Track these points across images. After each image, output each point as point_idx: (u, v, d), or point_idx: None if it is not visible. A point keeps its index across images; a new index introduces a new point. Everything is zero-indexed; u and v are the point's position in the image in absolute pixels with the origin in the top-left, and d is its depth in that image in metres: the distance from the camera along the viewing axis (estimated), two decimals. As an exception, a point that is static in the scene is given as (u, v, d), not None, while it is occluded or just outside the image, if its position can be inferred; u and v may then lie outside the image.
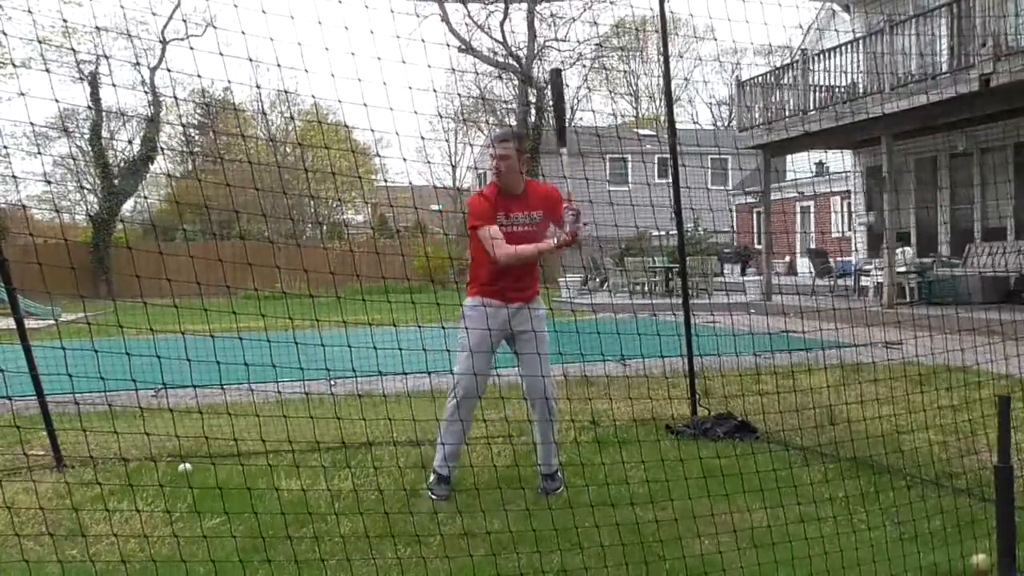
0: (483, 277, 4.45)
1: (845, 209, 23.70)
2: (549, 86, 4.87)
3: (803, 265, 25.11)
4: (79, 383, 3.61)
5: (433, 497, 4.39)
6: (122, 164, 30.72)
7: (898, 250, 15.00)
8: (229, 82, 3.47)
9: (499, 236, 4.30)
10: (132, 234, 29.75)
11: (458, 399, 4.40)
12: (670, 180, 6.45)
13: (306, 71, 3.38)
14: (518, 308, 4.43)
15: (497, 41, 32.50)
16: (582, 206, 4.21)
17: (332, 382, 6.51)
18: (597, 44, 33.54)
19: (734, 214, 31.72)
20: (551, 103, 4.45)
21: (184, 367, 3.52)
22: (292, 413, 5.31)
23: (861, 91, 14.96)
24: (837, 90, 15.75)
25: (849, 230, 21.97)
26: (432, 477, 4.49)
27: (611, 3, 32.60)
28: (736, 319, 8.75)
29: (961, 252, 16.29)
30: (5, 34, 20.29)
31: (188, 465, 4.93)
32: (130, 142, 30.74)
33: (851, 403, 5.46)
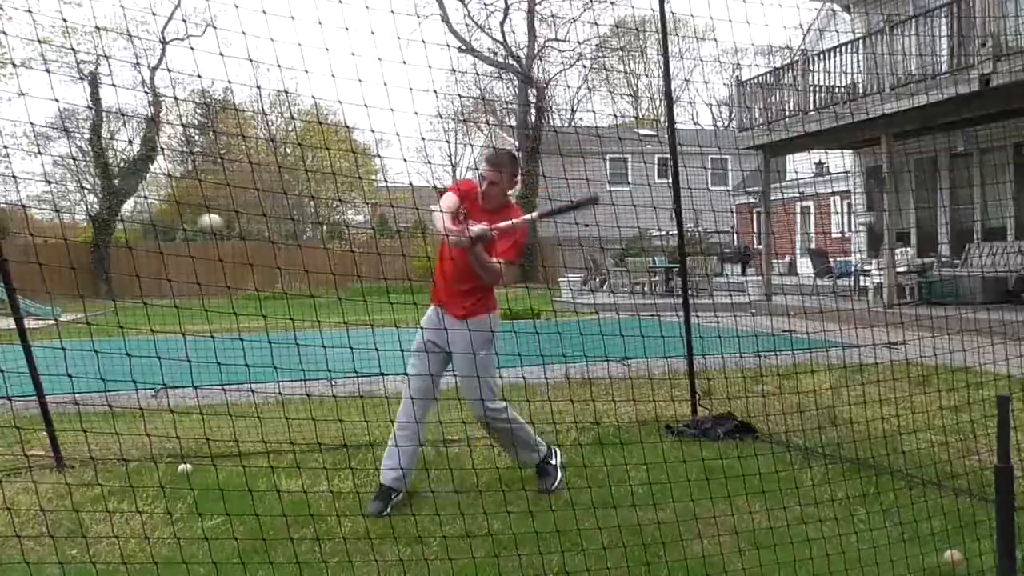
0: (435, 278, 4.48)
1: (845, 209, 23.69)
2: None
3: (803, 265, 25.10)
4: (79, 383, 3.61)
5: (370, 512, 4.15)
6: (122, 164, 30.74)
7: (898, 250, 14.98)
8: (229, 82, 3.47)
9: (445, 211, 4.21)
10: (132, 234, 29.73)
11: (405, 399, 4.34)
12: (670, 180, 6.46)
13: (306, 71, 3.38)
14: (453, 321, 4.32)
15: (497, 41, 32.58)
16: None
17: (333, 383, 6.50)
18: (597, 44, 33.54)
19: (734, 214, 31.71)
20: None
21: (184, 367, 3.52)
22: (293, 414, 5.31)
23: (861, 91, 14.95)
24: (837, 90, 15.74)
25: (849, 230, 21.95)
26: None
27: (611, 3, 32.61)
28: (736, 318, 8.73)
29: (961, 252, 16.27)
30: (5, 34, 20.29)
31: (188, 466, 4.93)
32: (130, 142, 30.79)
33: (851, 404, 5.46)
